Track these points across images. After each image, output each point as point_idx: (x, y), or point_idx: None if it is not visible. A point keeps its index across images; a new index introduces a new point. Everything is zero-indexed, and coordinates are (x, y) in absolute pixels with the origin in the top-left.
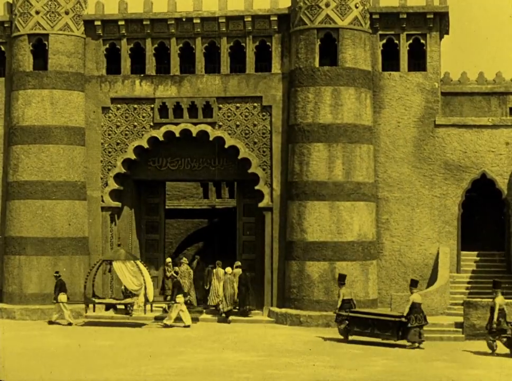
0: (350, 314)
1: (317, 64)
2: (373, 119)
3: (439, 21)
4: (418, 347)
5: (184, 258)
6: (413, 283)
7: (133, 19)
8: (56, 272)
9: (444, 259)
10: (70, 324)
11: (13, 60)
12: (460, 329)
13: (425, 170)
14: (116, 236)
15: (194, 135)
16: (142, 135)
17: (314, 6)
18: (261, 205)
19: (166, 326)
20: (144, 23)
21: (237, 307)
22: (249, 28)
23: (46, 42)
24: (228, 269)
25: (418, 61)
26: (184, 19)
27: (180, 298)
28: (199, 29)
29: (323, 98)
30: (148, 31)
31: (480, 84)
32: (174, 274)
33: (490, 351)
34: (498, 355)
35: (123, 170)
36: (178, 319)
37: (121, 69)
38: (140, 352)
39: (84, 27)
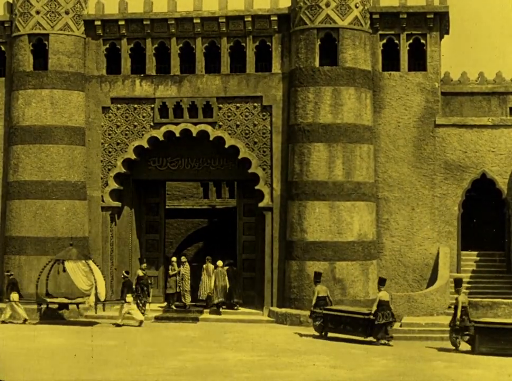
0: (324, 311)
1: (317, 64)
2: (373, 119)
3: (439, 21)
4: (387, 344)
5: (183, 257)
6: (381, 282)
7: (133, 19)
8: (8, 271)
9: (444, 259)
10: (25, 320)
11: (13, 60)
12: None
13: (425, 170)
14: (116, 236)
15: (194, 135)
16: (142, 135)
17: (315, 5)
18: (261, 204)
19: (117, 325)
20: (144, 22)
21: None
22: (250, 28)
23: (46, 42)
24: (219, 262)
25: (418, 61)
26: (184, 19)
27: (129, 297)
28: (199, 29)
29: (324, 98)
30: (149, 31)
31: (480, 84)
32: (125, 274)
33: (453, 348)
34: (461, 352)
35: (123, 170)
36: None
37: (121, 68)
38: (140, 351)
39: (85, 27)
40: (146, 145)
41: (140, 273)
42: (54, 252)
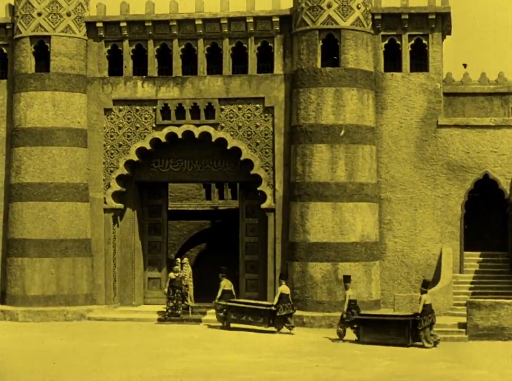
0: (228, 304)
1: (319, 65)
2: (375, 120)
3: (441, 22)
4: (290, 333)
5: (185, 258)
6: (282, 277)
7: (134, 21)
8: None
9: (447, 260)
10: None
11: (15, 62)
12: (464, 330)
13: (428, 170)
14: (118, 238)
15: (196, 136)
16: (144, 136)
17: (316, 7)
18: (263, 206)
19: None
20: (146, 24)
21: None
22: (251, 29)
23: (48, 44)
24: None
25: (420, 61)
26: (186, 21)
27: None
28: (201, 31)
29: (326, 99)
30: (150, 32)
31: (482, 85)
32: None
33: (338, 338)
34: (346, 341)
35: (125, 172)
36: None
37: (123, 70)
38: (143, 353)
39: (86, 28)
40: (148, 147)
41: (172, 275)
42: (56, 254)
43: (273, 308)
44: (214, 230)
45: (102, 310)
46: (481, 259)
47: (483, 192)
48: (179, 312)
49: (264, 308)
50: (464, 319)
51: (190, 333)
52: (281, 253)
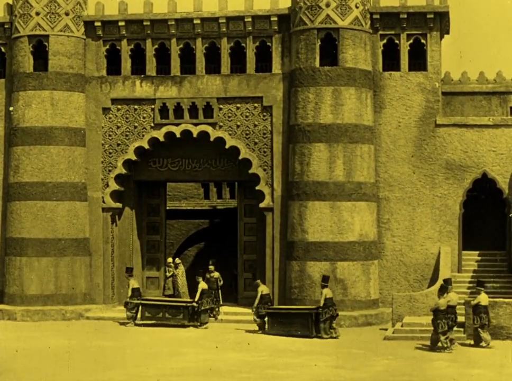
0: (142, 301)
1: (317, 64)
2: (373, 119)
3: (439, 21)
4: (205, 327)
5: (177, 259)
6: (199, 274)
7: (133, 20)
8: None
9: (445, 259)
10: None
11: (13, 61)
12: (462, 329)
13: (426, 169)
14: (116, 237)
15: (195, 135)
16: (143, 135)
17: (315, 6)
18: (261, 205)
19: None
20: (144, 23)
21: None
22: (250, 28)
23: (46, 43)
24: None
25: (418, 60)
26: (184, 20)
27: None
28: (199, 30)
29: (324, 98)
30: (149, 32)
31: (481, 84)
32: None
33: (260, 331)
34: (269, 334)
35: (124, 171)
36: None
37: (121, 69)
38: (141, 352)
39: (85, 28)
40: (146, 146)
41: (207, 276)
42: (54, 254)
43: (194, 304)
44: (212, 229)
45: (101, 309)
46: (479, 258)
47: (482, 191)
48: (214, 313)
49: (184, 304)
50: (462, 319)
51: (189, 332)
52: (279, 253)
